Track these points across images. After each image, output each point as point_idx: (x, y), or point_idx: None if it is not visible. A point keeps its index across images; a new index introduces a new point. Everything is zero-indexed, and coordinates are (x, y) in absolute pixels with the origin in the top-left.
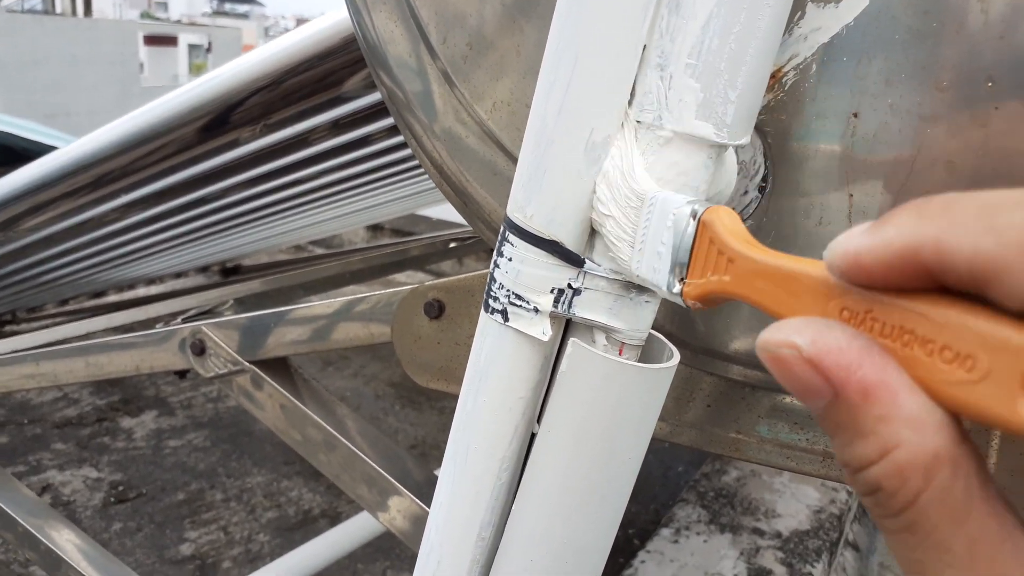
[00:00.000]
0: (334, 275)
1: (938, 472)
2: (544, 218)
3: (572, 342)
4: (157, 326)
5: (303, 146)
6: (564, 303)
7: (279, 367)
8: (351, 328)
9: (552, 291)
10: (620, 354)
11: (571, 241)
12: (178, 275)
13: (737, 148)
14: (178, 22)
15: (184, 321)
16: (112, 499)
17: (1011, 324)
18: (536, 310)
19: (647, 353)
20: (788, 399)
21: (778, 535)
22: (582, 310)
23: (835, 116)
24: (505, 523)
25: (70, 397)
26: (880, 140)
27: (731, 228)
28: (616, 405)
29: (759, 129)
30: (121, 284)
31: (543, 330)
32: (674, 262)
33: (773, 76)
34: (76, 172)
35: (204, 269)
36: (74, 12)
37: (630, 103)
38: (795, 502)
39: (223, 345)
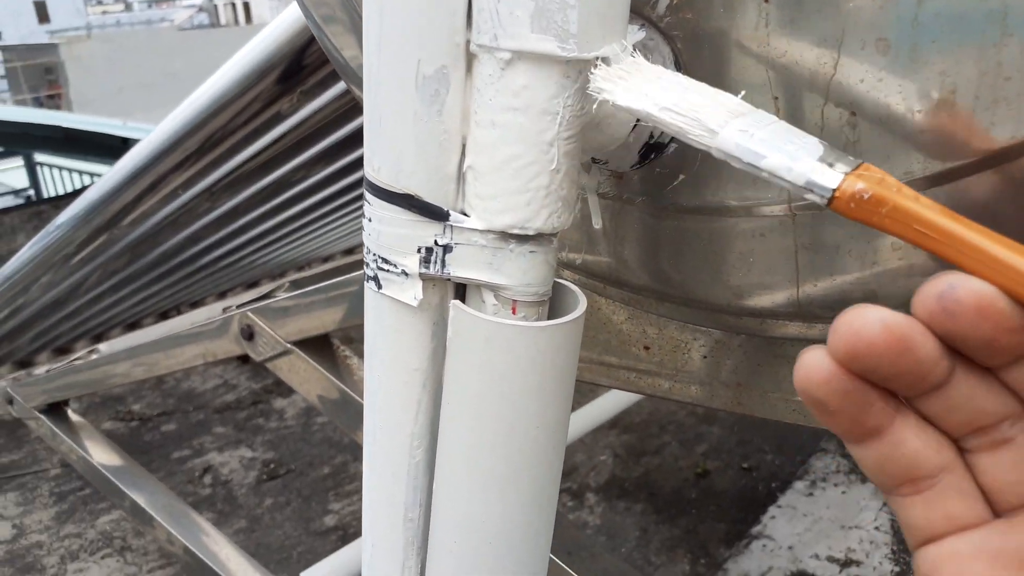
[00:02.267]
0: None
1: None
2: (391, 169)
3: (453, 305)
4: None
5: None
6: (435, 263)
7: (321, 346)
8: None
9: (419, 250)
10: (514, 313)
11: (429, 192)
12: (326, 259)
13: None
14: None
15: (237, 308)
16: (264, 476)
17: None
18: (405, 273)
19: (563, 306)
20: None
21: None
22: (457, 268)
23: (744, 3)
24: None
25: (229, 383)
26: (797, 25)
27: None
28: (508, 369)
29: (666, 34)
30: (272, 273)
31: (414, 295)
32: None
33: None
34: (181, 140)
35: (350, 252)
36: (236, 22)
37: (469, 25)
38: None
39: (267, 328)
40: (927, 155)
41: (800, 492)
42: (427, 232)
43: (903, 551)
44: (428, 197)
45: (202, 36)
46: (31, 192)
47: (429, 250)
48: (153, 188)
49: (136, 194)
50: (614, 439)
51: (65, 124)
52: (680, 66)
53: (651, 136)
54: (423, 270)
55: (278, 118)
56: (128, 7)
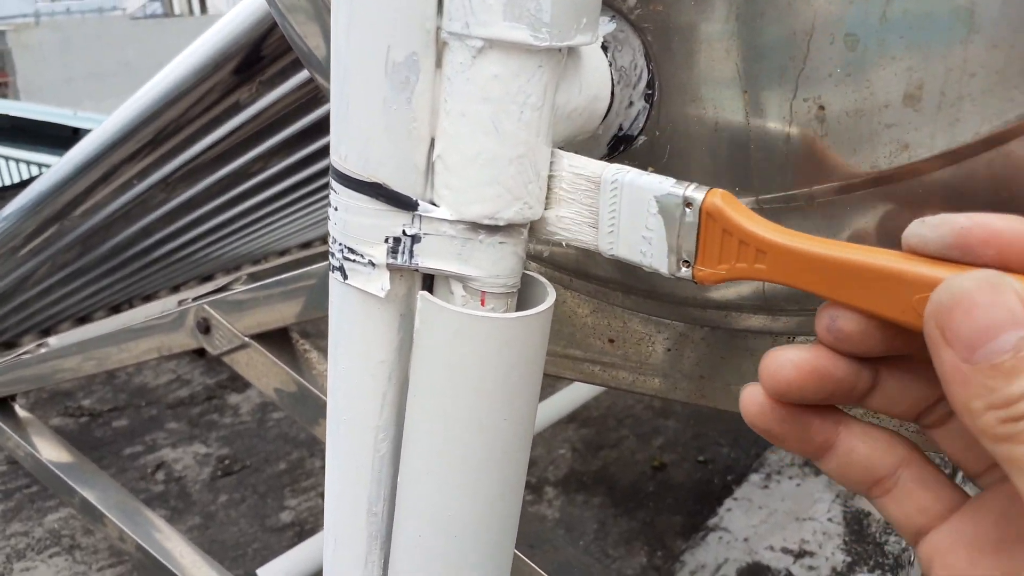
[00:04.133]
0: None
1: None
2: (358, 158)
3: (420, 296)
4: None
5: None
6: (403, 253)
7: (279, 339)
8: None
9: (387, 240)
10: (483, 304)
11: (397, 181)
12: (282, 253)
13: (614, 53)
14: None
15: (193, 301)
16: (219, 473)
17: None
18: (372, 263)
19: (532, 298)
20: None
21: None
22: (426, 259)
23: None
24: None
25: (183, 379)
26: (768, 18)
27: (746, 215)
28: (477, 361)
29: (636, 26)
30: (227, 267)
31: (381, 286)
32: (674, 249)
33: None
34: (135, 130)
35: (307, 245)
36: (191, 12)
37: (440, 11)
38: None
39: (223, 322)
40: (892, 150)
41: (756, 485)
42: (395, 222)
43: (855, 542)
44: (396, 186)
45: (155, 26)
46: None
47: (397, 240)
48: (106, 179)
49: (87, 185)
50: (572, 433)
51: (13, 113)
52: (650, 58)
53: (620, 128)
54: (390, 260)
55: (237, 107)
56: None
